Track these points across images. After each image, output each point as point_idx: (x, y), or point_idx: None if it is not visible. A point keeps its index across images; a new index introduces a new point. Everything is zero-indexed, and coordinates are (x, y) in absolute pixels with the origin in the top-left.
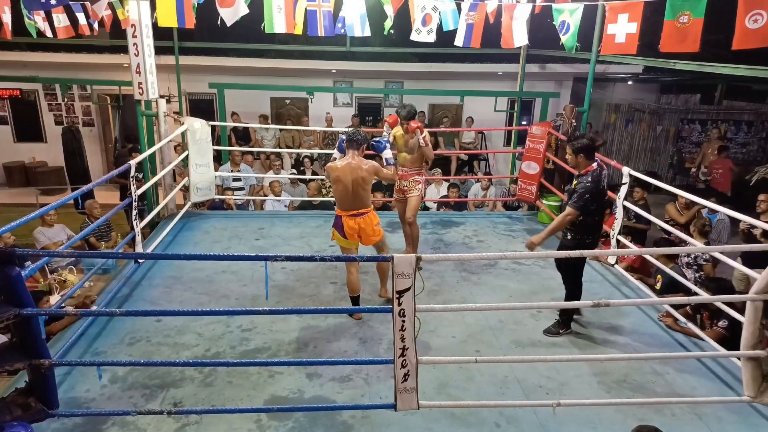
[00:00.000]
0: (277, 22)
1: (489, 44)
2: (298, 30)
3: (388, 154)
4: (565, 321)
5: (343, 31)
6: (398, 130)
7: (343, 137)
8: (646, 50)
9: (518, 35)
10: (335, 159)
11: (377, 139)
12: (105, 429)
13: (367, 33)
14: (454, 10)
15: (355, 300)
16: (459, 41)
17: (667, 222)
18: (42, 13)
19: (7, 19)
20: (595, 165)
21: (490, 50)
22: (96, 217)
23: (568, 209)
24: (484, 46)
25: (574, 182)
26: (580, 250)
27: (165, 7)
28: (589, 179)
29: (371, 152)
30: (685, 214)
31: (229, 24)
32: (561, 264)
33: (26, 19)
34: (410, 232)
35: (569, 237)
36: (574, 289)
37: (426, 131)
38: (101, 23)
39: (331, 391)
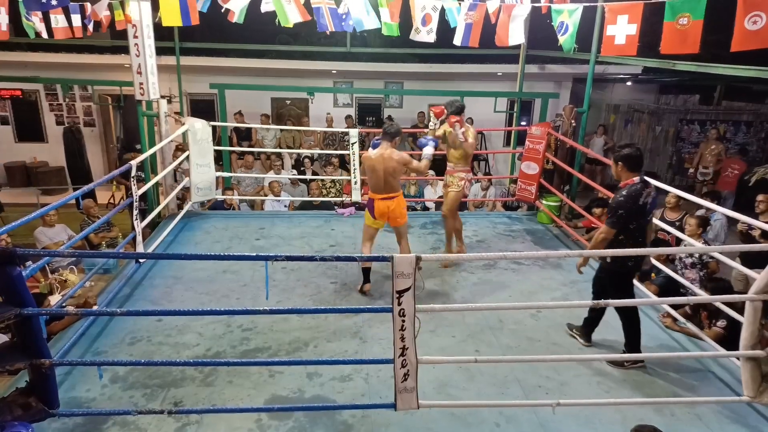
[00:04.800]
0: (290, 13)
1: (488, 44)
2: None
3: (428, 151)
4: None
5: (344, 24)
6: (447, 127)
7: (377, 137)
8: (646, 51)
9: (514, 34)
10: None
11: (425, 136)
12: (105, 429)
13: (377, 24)
14: (458, 8)
15: (366, 271)
16: (457, 40)
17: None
18: (39, 14)
19: (5, 20)
20: (636, 179)
21: (489, 51)
22: (94, 216)
23: (603, 227)
24: (483, 46)
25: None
26: (579, 251)
27: (168, 6)
28: (624, 193)
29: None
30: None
31: (237, 13)
32: (599, 289)
33: (24, 20)
34: (446, 226)
35: (609, 260)
36: (629, 318)
37: (471, 131)
38: (97, 25)
39: (331, 391)
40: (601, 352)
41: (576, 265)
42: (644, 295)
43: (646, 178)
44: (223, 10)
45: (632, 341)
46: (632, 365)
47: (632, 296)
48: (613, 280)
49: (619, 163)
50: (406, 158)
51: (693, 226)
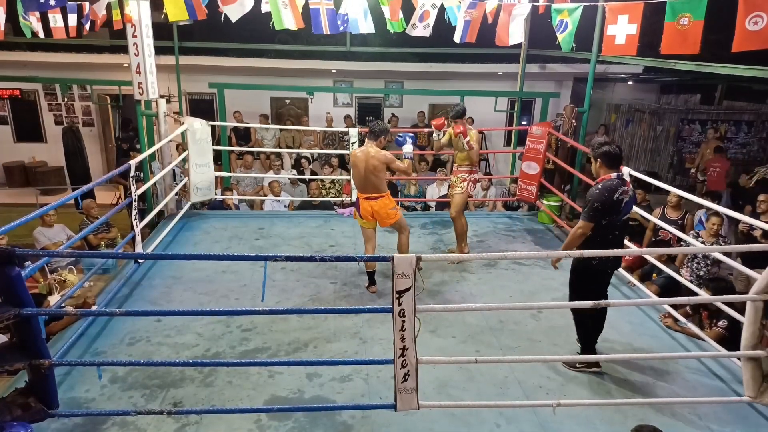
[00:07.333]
0: (285, 18)
1: (488, 44)
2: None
3: (407, 149)
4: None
5: (343, 28)
6: (452, 130)
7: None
8: (647, 50)
9: (514, 33)
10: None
11: (400, 134)
12: (105, 429)
13: (371, 29)
14: (458, 6)
15: (371, 275)
16: (456, 37)
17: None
18: (37, 13)
19: (2, 19)
20: (614, 176)
21: (490, 50)
22: (94, 216)
23: (579, 222)
24: (483, 45)
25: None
26: (581, 250)
27: (173, 1)
28: (600, 186)
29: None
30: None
31: (234, 20)
32: (571, 285)
33: (21, 20)
34: (455, 227)
35: (575, 258)
36: (581, 320)
37: (472, 133)
38: (92, 25)
39: (331, 391)
40: (601, 353)
41: (551, 261)
42: (645, 295)
43: (629, 178)
44: (222, 18)
45: (588, 343)
46: (584, 368)
47: (598, 298)
48: (579, 278)
49: (598, 160)
50: (389, 157)
51: (717, 225)
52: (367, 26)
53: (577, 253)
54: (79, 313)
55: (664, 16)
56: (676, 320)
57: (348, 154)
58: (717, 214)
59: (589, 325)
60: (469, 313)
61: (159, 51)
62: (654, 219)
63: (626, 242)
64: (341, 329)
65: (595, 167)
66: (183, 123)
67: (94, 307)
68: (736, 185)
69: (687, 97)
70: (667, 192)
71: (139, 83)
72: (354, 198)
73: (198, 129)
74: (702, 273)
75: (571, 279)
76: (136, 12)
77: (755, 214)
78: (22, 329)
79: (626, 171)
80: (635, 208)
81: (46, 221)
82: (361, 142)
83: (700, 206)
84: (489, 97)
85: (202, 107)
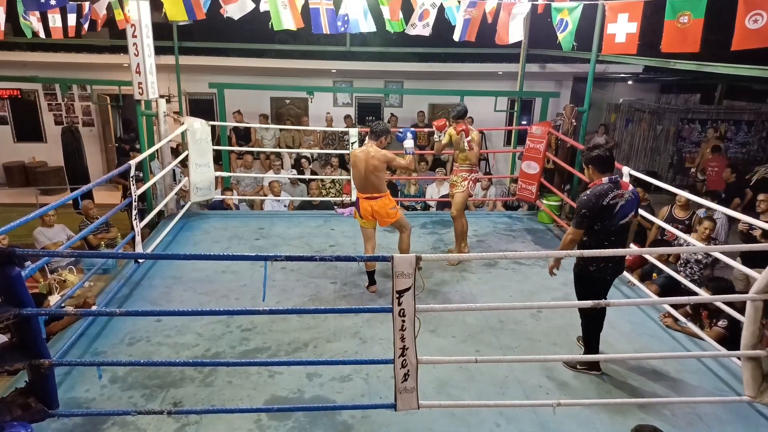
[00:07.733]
0: (284, 18)
1: (488, 43)
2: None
3: (408, 144)
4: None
5: (344, 29)
6: (452, 130)
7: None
8: (647, 49)
9: (513, 32)
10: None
11: (401, 130)
12: (105, 429)
13: (372, 28)
14: (457, 6)
15: (371, 274)
16: (456, 36)
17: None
18: (37, 13)
19: (2, 19)
20: (604, 180)
21: (490, 50)
22: (92, 217)
23: (570, 228)
24: (483, 45)
25: None
26: (581, 250)
27: (173, 1)
28: (588, 193)
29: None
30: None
31: (236, 18)
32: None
33: (21, 20)
34: (455, 227)
35: (575, 262)
36: (586, 322)
37: (473, 134)
38: (93, 24)
39: (331, 391)
40: (601, 352)
41: (548, 267)
42: (645, 295)
43: (629, 178)
44: (225, 17)
45: (590, 344)
46: (585, 369)
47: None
48: (579, 285)
49: (590, 165)
50: (389, 156)
51: (708, 229)
52: (367, 25)
53: (577, 252)
54: (79, 313)
55: (664, 15)
56: (676, 320)
57: (348, 154)
58: (710, 218)
59: (589, 327)
60: (469, 312)
61: (159, 51)
62: (657, 220)
63: None
64: (341, 329)
65: (588, 173)
66: (183, 123)
67: (94, 307)
68: (735, 185)
69: (687, 96)
70: (667, 191)
71: (139, 83)
72: (354, 198)
73: (198, 129)
74: (696, 278)
75: (574, 283)
76: (136, 12)
77: (755, 214)
78: (22, 329)
79: (626, 171)
80: (645, 213)
81: (46, 221)
82: (361, 142)
83: (701, 205)
84: (489, 96)
85: (202, 107)
